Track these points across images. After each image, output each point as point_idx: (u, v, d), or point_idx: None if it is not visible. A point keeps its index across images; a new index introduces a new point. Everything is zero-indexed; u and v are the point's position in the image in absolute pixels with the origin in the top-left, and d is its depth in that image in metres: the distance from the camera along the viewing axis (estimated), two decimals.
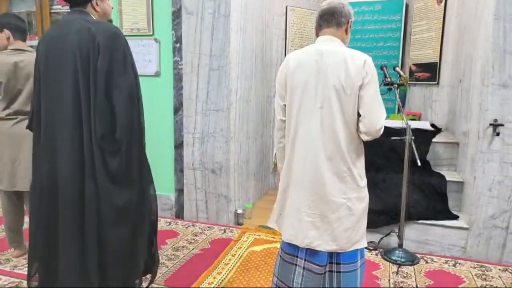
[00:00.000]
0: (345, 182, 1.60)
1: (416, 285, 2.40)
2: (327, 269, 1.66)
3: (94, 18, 1.79)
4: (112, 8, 1.91)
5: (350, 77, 1.52)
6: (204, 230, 3.20)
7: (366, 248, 1.75)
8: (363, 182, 1.66)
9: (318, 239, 1.63)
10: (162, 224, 3.22)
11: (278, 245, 2.87)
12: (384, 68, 2.64)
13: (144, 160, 1.84)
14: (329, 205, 1.60)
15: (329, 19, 1.64)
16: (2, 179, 2.51)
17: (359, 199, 1.64)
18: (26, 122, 2.48)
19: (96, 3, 1.81)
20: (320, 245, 1.63)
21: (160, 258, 2.49)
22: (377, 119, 1.54)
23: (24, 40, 2.55)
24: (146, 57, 3.24)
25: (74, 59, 1.65)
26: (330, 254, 1.65)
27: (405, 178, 2.64)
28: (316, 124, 1.58)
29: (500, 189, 2.63)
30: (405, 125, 2.54)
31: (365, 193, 1.68)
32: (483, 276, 2.51)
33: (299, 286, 1.68)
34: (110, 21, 1.91)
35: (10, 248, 2.72)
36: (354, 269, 1.66)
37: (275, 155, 1.88)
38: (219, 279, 2.41)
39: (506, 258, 2.68)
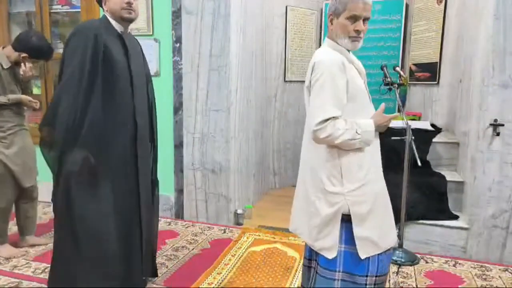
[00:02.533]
0: (315, 180, 1.62)
1: (416, 285, 2.40)
2: (312, 265, 1.70)
3: (108, 17, 1.95)
4: (125, 2, 1.91)
5: (308, 78, 1.58)
6: (204, 230, 3.20)
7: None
8: (334, 188, 1.55)
9: (300, 228, 1.72)
10: (162, 224, 3.22)
11: (278, 245, 2.88)
12: (384, 68, 2.63)
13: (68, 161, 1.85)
14: (308, 199, 1.65)
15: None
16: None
17: (326, 203, 1.57)
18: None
19: (104, 3, 1.95)
20: (301, 234, 1.72)
21: (160, 258, 2.50)
22: (312, 120, 1.51)
23: (13, 47, 2.60)
24: (146, 57, 3.25)
25: None
26: (314, 251, 1.66)
27: (405, 178, 2.63)
28: (306, 122, 1.69)
29: (500, 189, 2.63)
30: (405, 125, 2.54)
31: (336, 201, 1.55)
32: (483, 276, 2.51)
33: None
34: (123, 18, 1.94)
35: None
36: (331, 278, 1.58)
37: None
38: (219, 279, 2.41)
39: (506, 258, 2.67)
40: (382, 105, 1.62)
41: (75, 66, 1.82)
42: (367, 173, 1.57)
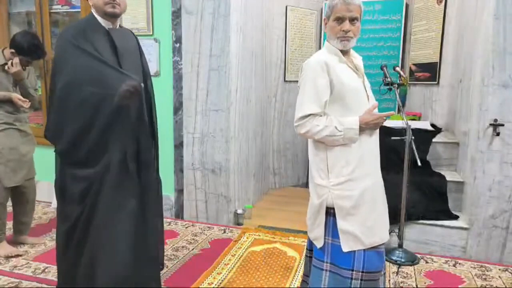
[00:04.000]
0: (310, 173, 1.74)
1: (416, 285, 2.40)
2: (312, 255, 1.78)
3: (95, 13, 1.84)
4: None
5: (299, 80, 1.72)
6: (204, 230, 3.20)
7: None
8: (321, 181, 1.64)
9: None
10: None
11: (277, 245, 2.88)
12: (384, 68, 2.63)
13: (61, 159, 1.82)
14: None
15: None
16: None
17: (316, 194, 1.68)
18: None
19: None
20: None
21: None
22: (295, 115, 1.66)
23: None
24: (146, 57, 3.25)
25: None
26: (313, 242, 1.74)
27: (405, 178, 2.63)
28: None
29: (500, 189, 2.63)
30: (405, 125, 2.54)
31: (322, 193, 1.64)
32: (483, 276, 2.51)
33: None
34: (107, 13, 1.81)
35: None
36: (319, 268, 1.67)
37: None
38: (219, 279, 2.41)
39: (506, 258, 2.67)
40: (374, 104, 1.68)
41: (67, 72, 1.74)
42: (354, 170, 1.61)
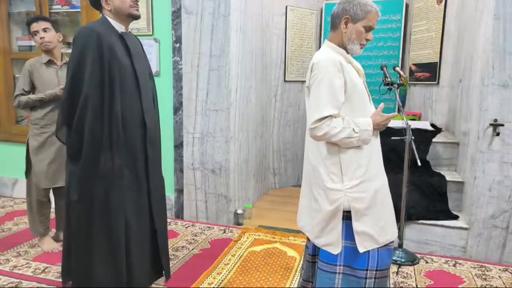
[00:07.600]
0: (316, 178, 1.66)
1: (416, 285, 2.40)
2: (316, 261, 1.74)
3: (109, 18, 1.90)
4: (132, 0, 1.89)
5: (308, 79, 1.65)
6: (204, 230, 3.20)
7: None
8: (334, 184, 1.60)
9: (307, 225, 1.75)
10: None
11: (277, 245, 2.88)
12: (384, 68, 2.63)
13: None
14: (311, 196, 1.71)
15: (330, 24, 1.72)
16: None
17: (327, 199, 1.62)
18: None
19: (106, 1, 1.88)
20: (308, 231, 1.74)
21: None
22: (309, 118, 1.59)
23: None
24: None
25: None
26: (318, 247, 1.71)
27: (405, 178, 2.63)
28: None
29: (500, 189, 2.63)
30: (405, 125, 2.54)
31: (337, 197, 1.59)
32: (483, 276, 2.51)
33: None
34: (132, 15, 1.93)
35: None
36: (330, 272, 1.64)
37: None
38: (219, 279, 2.41)
39: (506, 258, 2.68)
40: (381, 105, 1.67)
41: (91, 73, 1.77)
42: (366, 171, 1.61)
